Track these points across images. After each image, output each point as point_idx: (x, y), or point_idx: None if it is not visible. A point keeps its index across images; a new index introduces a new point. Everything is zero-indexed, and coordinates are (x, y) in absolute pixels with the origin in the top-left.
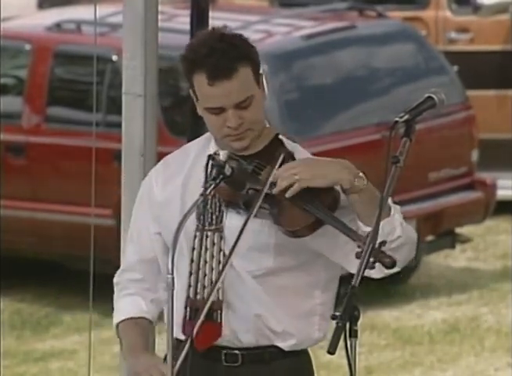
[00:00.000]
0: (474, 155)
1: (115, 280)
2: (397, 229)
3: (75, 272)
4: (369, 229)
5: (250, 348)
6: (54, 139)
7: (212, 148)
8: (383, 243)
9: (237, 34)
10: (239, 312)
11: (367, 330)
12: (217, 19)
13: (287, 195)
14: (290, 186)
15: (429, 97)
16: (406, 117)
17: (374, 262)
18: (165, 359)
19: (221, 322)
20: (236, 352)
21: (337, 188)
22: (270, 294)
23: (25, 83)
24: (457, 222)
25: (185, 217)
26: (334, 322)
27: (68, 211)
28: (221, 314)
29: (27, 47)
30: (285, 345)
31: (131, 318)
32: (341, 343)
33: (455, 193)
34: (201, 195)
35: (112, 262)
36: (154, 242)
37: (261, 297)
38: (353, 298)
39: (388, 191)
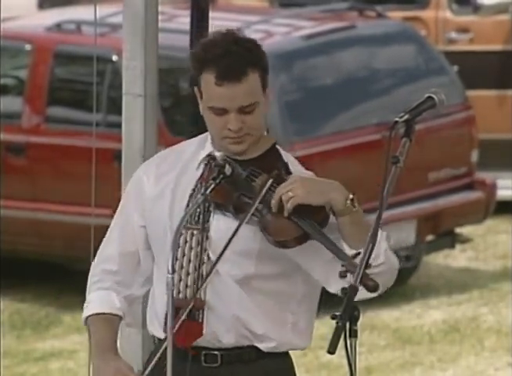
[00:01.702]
0: (474, 155)
1: (90, 271)
2: (381, 256)
3: (75, 273)
4: (353, 252)
5: (230, 348)
6: (54, 139)
7: (207, 149)
8: (368, 265)
9: (252, 39)
10: (219, 312)
11: (367, 330)
12: (217, 19)
13: (285, 213)
14: (286, 203)
15: (429, 97)
16: (406, 117)
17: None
18: (148, 359)
19: (202, 321)
20: (216, 352)
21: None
22: (250, 296)
23: (25, 83)
24: (457, 222)
25: (185, 217)
26: (334, 322)
27: (68, 211)
28: (203, 313)
29: (27, 47)
30: (264, 346)
31: (103, 313)
32: (341, 343)
33: (455, 193)
34: (202, 194)
35: None
36: (137, 235)
37: (241, 299)
38: (353, 298)
39: (388, 191)
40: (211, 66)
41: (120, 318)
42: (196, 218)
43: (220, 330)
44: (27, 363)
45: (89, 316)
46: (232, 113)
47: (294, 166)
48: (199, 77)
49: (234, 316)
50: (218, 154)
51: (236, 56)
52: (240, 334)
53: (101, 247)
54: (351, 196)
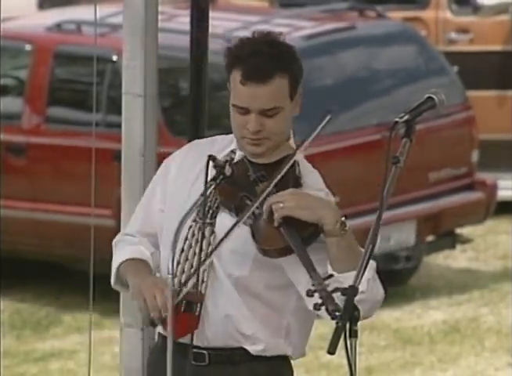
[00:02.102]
0: (474, 155)
1: (115, 240)
2: (363, 284)
3: (75, 273)
4: (334, 274)
5: (218, 348)
6: (54, 140)
7: (234, 146)
8: (337, 289)
9: (289, 45)
10: (210, 311)
11: (367, 331)
12: (217, 19)
13: (275, 224)
14: (275, 211)
15: (429, 98)
16: (406, 117)
17: (321, 305)
18: (151, 353)
19: (199, 315)
20: (204, 351)
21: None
22: (243, 297)
23: (25, 83)
24: (457, 222)
25: (184, 217)
26: (334, 322)
27: (68, 211)
28: (200, 307)
29: (28, 47)
30: (252, 348)
31: (134, 258)
32: (341, 343)
33: (455, 194)
34: (201, 195)
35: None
36: (157, 219)
37: (234, 298)
38: (353, 298)
39: (388, 191)
40: (240, 64)
41: (151, 268)
42: (209, 214)
43: (209, 330)
44: (27, 363)
45: (121, 263)
46: (253, 113)
47: (313, 179)
48: (230, 73)
49: (224, 314)
50: (238, 153)
51: (265, 58)
52: (229, 334)
53: (129, 222)
54: (342, 219)
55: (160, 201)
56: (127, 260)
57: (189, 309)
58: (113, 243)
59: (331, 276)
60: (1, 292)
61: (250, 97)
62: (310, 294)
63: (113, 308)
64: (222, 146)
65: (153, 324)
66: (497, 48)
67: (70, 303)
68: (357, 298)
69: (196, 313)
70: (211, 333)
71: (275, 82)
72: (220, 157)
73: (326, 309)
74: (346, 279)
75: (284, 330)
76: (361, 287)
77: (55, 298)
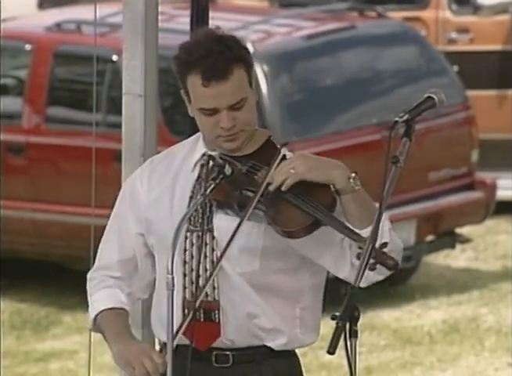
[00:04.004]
0: (474, 155)
1: (89, 276)
2: (385, 235)
3: (75, 273)
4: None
5: (241, 348)
6: (54, 140)
7: (200, 150)
8: (384, 244)
9: (232, 36)
10: (229, 312)
11: (367, 331)
12: (217, 19)
13: (283, 188)
14: (286, 179)
15: (429, 97)
16: (406, 117)
17: (375, 264)
18: (160, 351)
19: (219, 322)
20: (227, 352)
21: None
22: (259, 292)
23: (25, 83)
24: (457, 222)
25: (184, 217)
26: (334, 322)
27: (68, 211)
28: (219, 314)
29: (28, 47)
30: (275, 344)
31: (113, 308)
32: (341, 343)
33: (455, 194)
34: (201, 195)
35: None
36: (135, 242)
37: (250, 295)
38: (353, 298)
39: (388, 191)
40: (196, 68)
41: (127, 313)
42: (200, 220)
43: (231, 331)
44: (27, 363)
45: (98, 314)
46: (222, 111)
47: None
48: (185, 80)
49: (244, 314)
50: (213, 153)
51: (218, 55)
52: (251, 333)
53: (99, 253)
54: (353, 174)
55: (136, 225)
56: (103, 311)
57: (208, 317)
58: (88, 277)
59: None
60: (1, 292)
61: (215, 97)
62: (360, 256)
63: None
64: (186, 151)
65: None
66: (497, 48)
67: (70, 303)
68: (383, 250)
69: (216, 321)
70: (234, 335)
71: (235, 75)
72: (192, 161)
73: (385, 265)
74: (367, 234)
75: (298, 320)
76: (385, 238)
77: (55, 298)
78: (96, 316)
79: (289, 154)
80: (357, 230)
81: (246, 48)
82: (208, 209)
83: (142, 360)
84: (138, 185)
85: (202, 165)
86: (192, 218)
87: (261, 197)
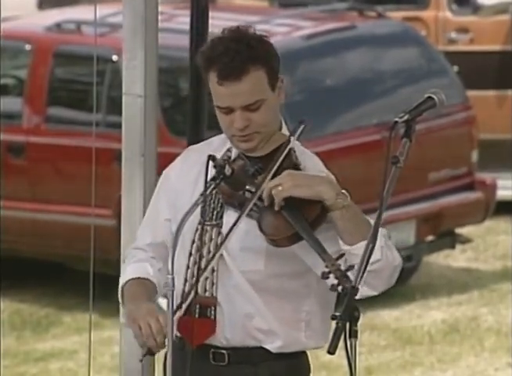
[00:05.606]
0: (474, 155)
1: (126, 252)
2: (377, 252)
3: (75, 273)
4: (346, 247)
5: (237, 348)
6: (54, 140)
7: (229, 144)
8: (351, 267)
9: (258, 36)
10: (227, 310)
11: (367, 331)
12: (217, 19)
13: (276, 208)
14: (275, 195)
15: (429, 97)
16: (406, 117)
17: (338, 285)
18: (166, 358)
19: (215, 318)
20: (223, 351)
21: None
22: (259, 292)
23: (25, 83)
24: (457, 222)
25: (184, 217)
26: (334, 322)
27: (68, 211)
28: (215, 310)
29: (27, 47)
30: (272, 346)
31: (138, 278)
32: (341, 343)
33: (455, 194)
34: (201, 195)
35: (112, 262)
36: (165, 228)
37: (250, 295)
38: (353, 299)
39: (388, 191)
40: (214, 66)
41: (154, 285)
42: (211, 215)
43: (227, 329)
44: (27, 363)
45: (124, 284)
46: (237, 111)
47: (310, 162)
48: (207, 75)
49: (242, 313)
50: (234, 151)
51: (235, 54)
52: (248, 333)
53: (137, 235)
54: (342, 191)
55: (166, 211)
56: (129, 280)
57: (203, 313)
58: (123, 255)
59: (342, 255)
60: (1, 292)
61: (229, 96)
62: (325, 276)
63: (113, 308)
64: (217, 145)
65: (151, 353)
66: (497, 48)
67: (70, 303)
68: (375, 266)
69: (212, 317)
70: (230, 333)
71: (251, 76)
72: (218, 156)
73: (343, 289)
74: (359, 249)
75: (304, 323)
76: (376, 256)
77: (55, 298)
78: (123, 286)
79: (302, 151)
80: (347, 246)
81: (271, 50)
82: (220, 205)
83: (148, 320)
84: (172, 173)
85: (225, 160)
86: (204, 212)
87: (259, 200)
